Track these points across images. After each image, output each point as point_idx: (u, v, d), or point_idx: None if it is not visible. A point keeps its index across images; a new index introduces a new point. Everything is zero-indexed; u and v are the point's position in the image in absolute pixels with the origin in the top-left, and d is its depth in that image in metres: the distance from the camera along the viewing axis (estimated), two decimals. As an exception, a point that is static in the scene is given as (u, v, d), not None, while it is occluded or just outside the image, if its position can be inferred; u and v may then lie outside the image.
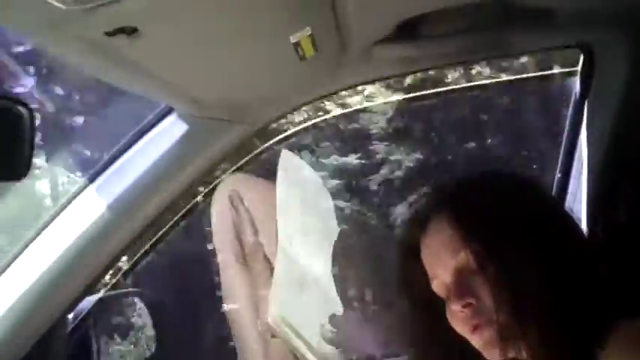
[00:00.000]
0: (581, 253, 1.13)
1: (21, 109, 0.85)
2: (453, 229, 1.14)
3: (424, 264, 1.20)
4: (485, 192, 1.18)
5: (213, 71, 1.30)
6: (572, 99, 1.76)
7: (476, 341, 1.12)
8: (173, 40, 1.10)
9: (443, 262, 1.15)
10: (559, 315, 1.06)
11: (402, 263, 1.26)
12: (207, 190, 2.09)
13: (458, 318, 1.13)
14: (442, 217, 1.16)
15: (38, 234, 1.56)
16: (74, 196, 1.56)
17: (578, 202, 1.74)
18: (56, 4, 0.84)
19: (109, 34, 0.98)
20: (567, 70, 1.78)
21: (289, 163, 2.73)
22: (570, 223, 1.20)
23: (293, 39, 1.23)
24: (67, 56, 1.09)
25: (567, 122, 1.79)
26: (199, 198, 2.04)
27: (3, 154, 0.84)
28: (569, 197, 1.82)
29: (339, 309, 2.52)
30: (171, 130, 1.53)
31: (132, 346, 1.77)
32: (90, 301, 1.72)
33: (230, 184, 2.59)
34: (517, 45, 1.60)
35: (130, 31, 1.00)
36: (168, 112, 1.53)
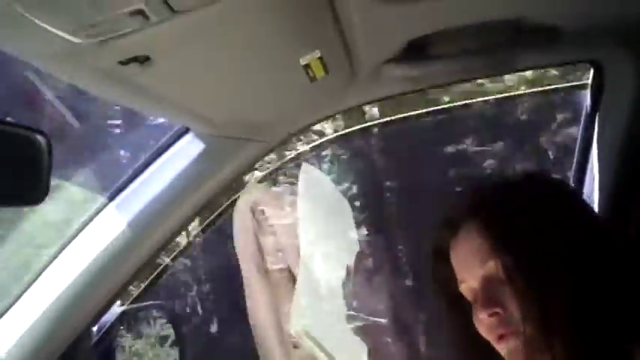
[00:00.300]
0: (615, 267, 1.11)
1: (38, 137, 0.90)
2: (482, 237, 1.13)
3: (453, 267, 1.20)
4: (519, 200, 1.16)
5: (226, 94, 1.34)
6: (584, 113, 1.77)
7: (501, 350, 1.12)
8: (185, 66, 1.14)
9: (471, 268, 1.15)
10: (586, 330, 1.06)
11: (433, 264, 1.26)
12: (228, 202, 2.14)
13: (484, 325, 1.13)
14: (473, 223, 1.16)
15: (62, 249, 1.61)
16: (95, 214, 1.61)
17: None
18: (70, 38, 0.89)
19: (122, 63, 1.03)
20: (578, 83, 1.79)
21: (310, 175, 2.77)
22: (608, 235, 1.17)
23: (303, 61, 1.27)
24: (81, 84, 1.13)
25: (579, 136, 1.80)
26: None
27: (22, 180, 0.89)
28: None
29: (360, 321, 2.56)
30: (188, 149, 1.58)
31: (154, 357, 1.81)
32: (113, 313, 1.77)
33: (252, 196, 2.64)
34: (526, 62, 1.61)
35: (143, 60, 1.04)
36: (184, 131, 1.57)
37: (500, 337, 1.11)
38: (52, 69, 1.03)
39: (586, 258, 1.09)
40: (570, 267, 1.08)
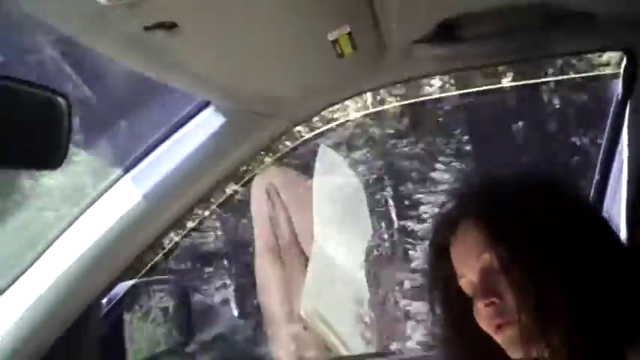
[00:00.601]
0: (613, 259, 1.13)
1: (59, 99, 0.87)
2: (479, 232, 1.16)
3: (453, 264, 1.22)
4: (514, 195, 1.19)
5: (251, 66, 1.31)
6: (614, 100, 1.74)
7: (500, 339, 1.14)
8: (211, 36, 1.11)
9: (469, 262, 1.17)
10: (583, 320, 1.07)
11: (434, 262, 1.28)
12: (243, 181, 2.11)
13: (482, 316, 1.15)
14: (470, 219, 1.19)
15: (74, 221, 1.59)
16: (110, 185, 1.58)
17: (617, 207, 1.72)
18: None
19: (148, 28, 1.00)
20: (610, 72, 1.76)
21: (326, 158, 2.75)
22: (603, 227, 1.20)
23: (331, 37, 1.24)
24: (106, 49, 1.10)
25: (608, 124, 1.77)
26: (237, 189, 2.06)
27: (40, 143, 0.86)
28: (607, 201, 1.80)
29: (368, 306, 2.55)
30: (208, 123, 1.54)
31: (163, 330, 1.80)
32: (123, 286, 1.76)
33: (267, 177, 2.62)
34: (557, 47, 1.58)
35: (169, 26, 1.01)
36: (205, 104, 1.53)
37: (498, 327, 1.13)
38: (77, 33, 0.99)
39: (581, 249, 1.11)
40: (565, 258, 1.10)
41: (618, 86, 1.71)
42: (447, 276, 1.23)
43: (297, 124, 1.61)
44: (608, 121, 1.76)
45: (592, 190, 1.84)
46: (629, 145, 1.68)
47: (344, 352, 2.43)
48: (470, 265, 1.17)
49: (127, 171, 1.59)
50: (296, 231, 2.48)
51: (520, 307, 1.09)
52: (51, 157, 0.88)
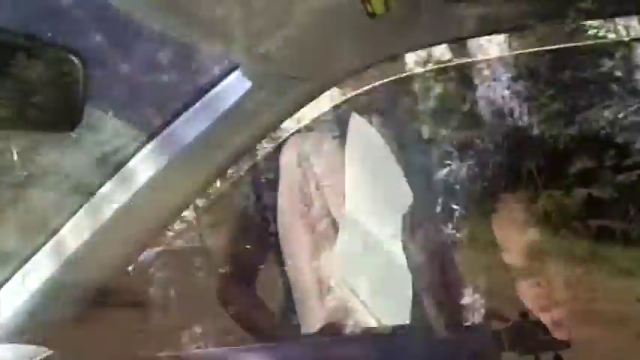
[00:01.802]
0: None
1: (73, 58, 0.83)
2: (526, 207, 1.12)
3: (496, 234, 1.16)
4: (570, 172, 1.13)
5: (277, 27, 1.26)
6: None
7: (544, 320, 1.10)
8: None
9: (515, 237, 1.13)
10: None
11: (473, 232, 1.23)
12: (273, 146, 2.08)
13: (526, 295, 1.11)
14: (521, 192, 1.14)
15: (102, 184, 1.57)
16: (137, 150, 1.55)
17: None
18: None
19: None
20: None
21: (359, 126, 2.69)
22: None
23: (362, -6, 1.19)
24: (132, 10, 1.07)
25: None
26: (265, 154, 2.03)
27: (55, 104, 0.83)
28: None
29: (405, 276, 2.49)
30: (235, 87, 1.50)
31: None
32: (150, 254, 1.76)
33: (297, 142, 2.57)
34: (617, 6, 1.49)
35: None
36: (233, 68, 1.49)
37: (543, 309, 1.10)
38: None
39: None
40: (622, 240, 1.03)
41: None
42: (489, 245, 1.17)
43: (325, 89, 1.55)
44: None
45: None
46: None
47: (372, 324, 2.38)
48: (514, 240, 1.12)
49: (151, 137, 1.56)
50: (327, 199, 2.42)
51: (568, 290, 1.05)
52: (66, 119, 0.84)
